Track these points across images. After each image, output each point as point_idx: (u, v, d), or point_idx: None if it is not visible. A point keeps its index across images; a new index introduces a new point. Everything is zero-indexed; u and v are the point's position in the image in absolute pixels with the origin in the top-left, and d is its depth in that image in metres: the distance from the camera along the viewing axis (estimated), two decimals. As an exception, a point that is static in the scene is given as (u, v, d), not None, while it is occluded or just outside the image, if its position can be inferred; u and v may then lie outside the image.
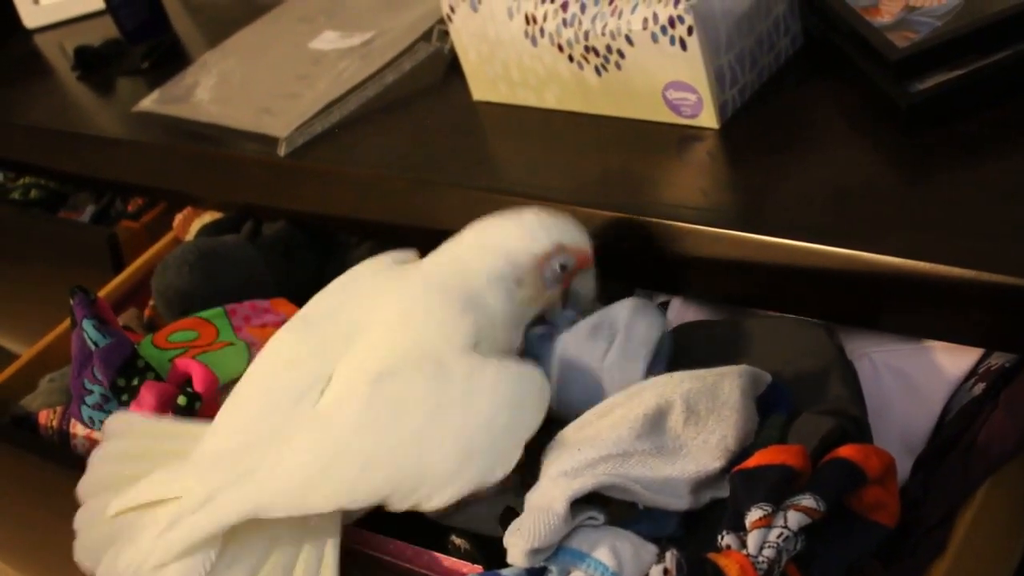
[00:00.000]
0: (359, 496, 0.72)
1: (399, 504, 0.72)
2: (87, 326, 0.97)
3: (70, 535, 0.78)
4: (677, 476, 0.69)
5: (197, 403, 0.93)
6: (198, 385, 0.94)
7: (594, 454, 0.70)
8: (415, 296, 0.81)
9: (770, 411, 0.73)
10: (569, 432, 0.74)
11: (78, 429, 1.02)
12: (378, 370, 0.76)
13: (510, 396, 0.73)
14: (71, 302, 0.99)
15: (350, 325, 0.81)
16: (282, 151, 1.12)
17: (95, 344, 0.96)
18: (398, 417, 0.73)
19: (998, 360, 0.78)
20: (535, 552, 0.68)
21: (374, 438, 0.73)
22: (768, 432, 0.72)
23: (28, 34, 1.77)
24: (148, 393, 0.94)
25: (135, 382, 0.95)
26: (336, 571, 0.73)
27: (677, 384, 0.72)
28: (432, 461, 0.72)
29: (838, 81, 0.92)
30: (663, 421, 0.70)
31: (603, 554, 0.67)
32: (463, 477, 0.71)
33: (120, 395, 0.95)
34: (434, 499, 0.71)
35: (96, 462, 0.81)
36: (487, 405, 0.72)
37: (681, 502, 0.70)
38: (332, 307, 0.85)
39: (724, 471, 0.70)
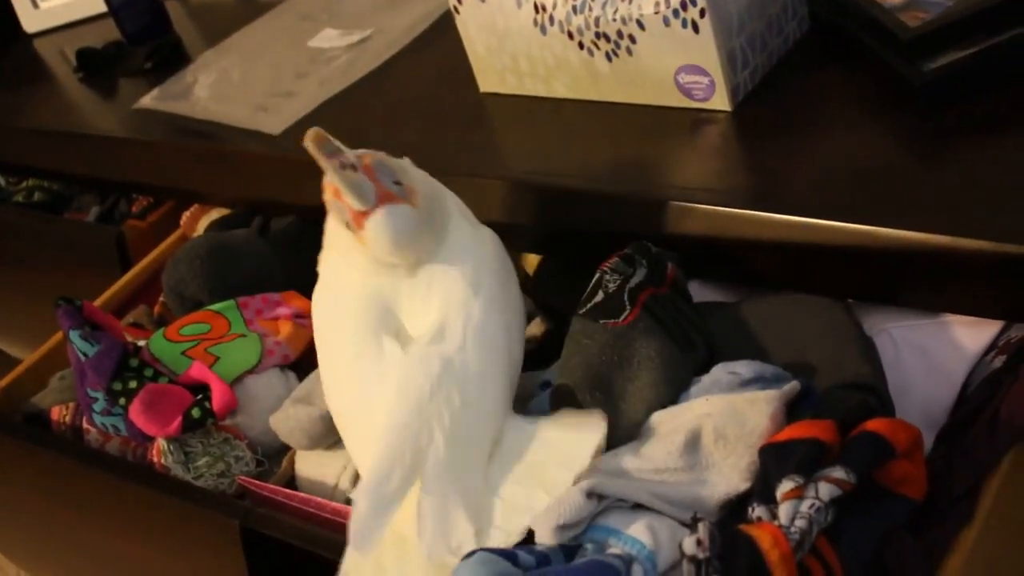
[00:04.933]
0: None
1: None
2: (74, 337, 0.97)
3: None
4: (707, 496, 0.70)
5: (209, 420, 0.93)
6: (217, 403, 0.94)
7: (630, 464, 0.72)
8: None
9: (796, 409, 0.73)
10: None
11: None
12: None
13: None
14: (56, 313, 0.99)
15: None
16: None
17: (84, 355, 0.97)
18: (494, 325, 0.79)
19: (1018, 332, 0.78)
20: (561, 529, 0.68)
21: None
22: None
23: (28, 39, 1.77)
24: (156, 399, 0.94)
25: (132, 384, 0.95)
26: None
27: (707, 410, 0.72)
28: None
29: (848, 62, 0.92)
30: (697, 443, 0.71)
31: (639, 531, 0.67)
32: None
33: (117, 399, 0.95)
34: None
35: None
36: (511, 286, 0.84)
37: (711, 518, 0.70)
38: None
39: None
